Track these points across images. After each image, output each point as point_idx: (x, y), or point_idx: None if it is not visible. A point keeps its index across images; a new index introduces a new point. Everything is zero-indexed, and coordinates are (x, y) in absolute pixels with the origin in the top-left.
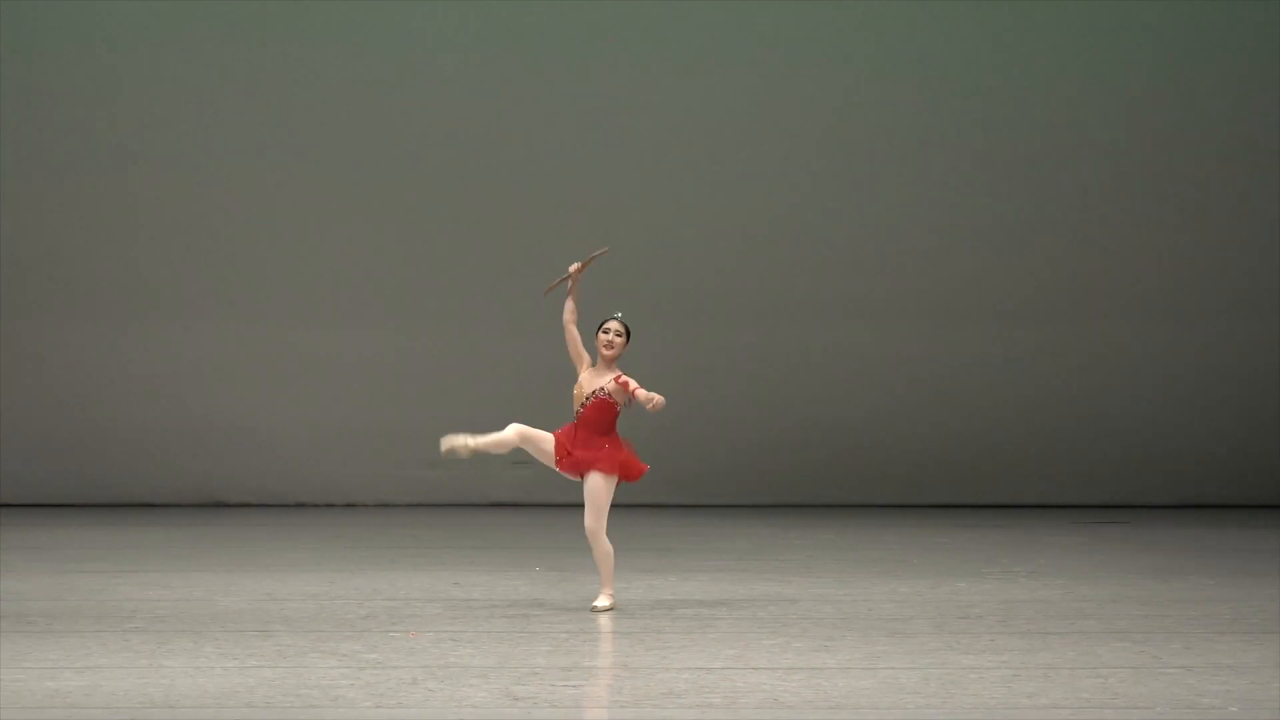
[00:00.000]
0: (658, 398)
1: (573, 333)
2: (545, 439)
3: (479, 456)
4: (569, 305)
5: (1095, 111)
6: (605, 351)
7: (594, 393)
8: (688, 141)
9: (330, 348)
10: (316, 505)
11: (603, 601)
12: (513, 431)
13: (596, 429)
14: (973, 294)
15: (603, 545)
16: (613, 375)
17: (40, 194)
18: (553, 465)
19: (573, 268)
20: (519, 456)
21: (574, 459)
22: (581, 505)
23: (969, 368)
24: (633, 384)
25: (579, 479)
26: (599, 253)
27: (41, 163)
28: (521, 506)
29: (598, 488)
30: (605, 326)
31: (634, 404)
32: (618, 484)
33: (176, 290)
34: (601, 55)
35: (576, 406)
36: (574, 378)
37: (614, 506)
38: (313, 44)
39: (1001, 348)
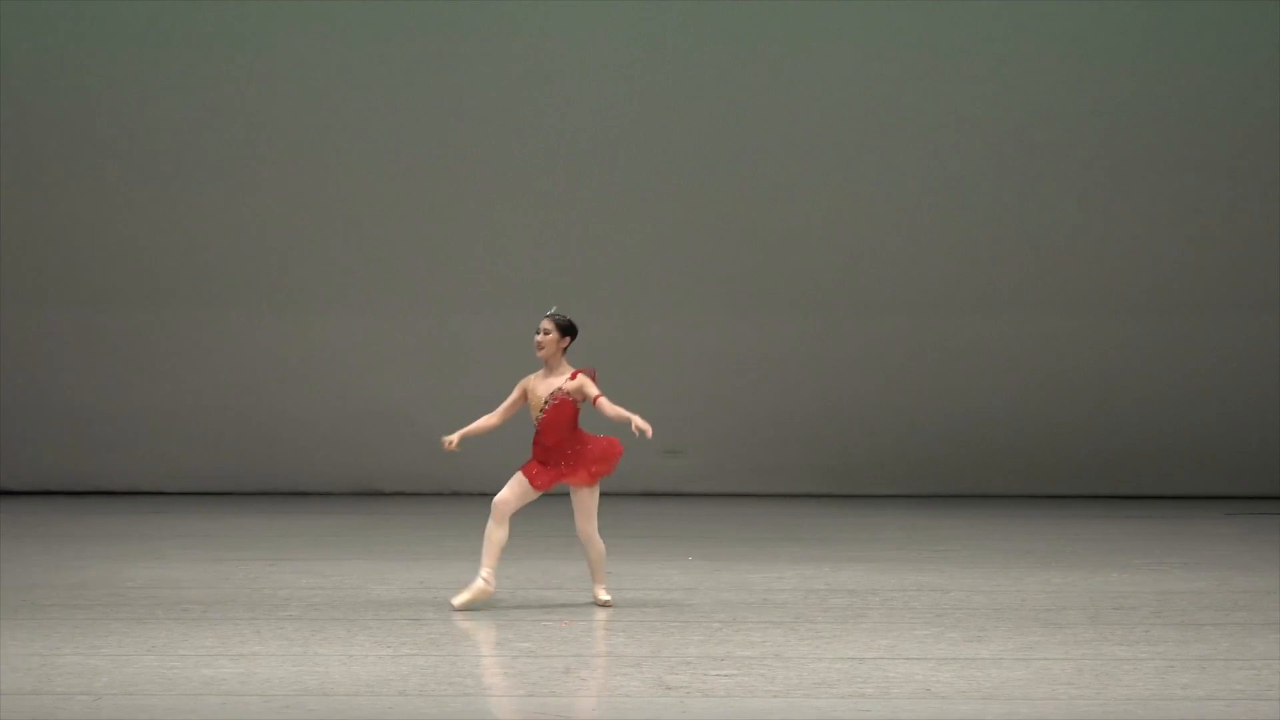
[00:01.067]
0: (641, 425)
1: (502, 413)
2: (519, 492)
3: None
4: (486, 428)
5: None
6: (537, 352)
7: (552, 394)
8: (835, 131)
9: (486, 335)
10: (470, 494)
11: (605, 595)
12: (494, 521)
13: (560, 431)
14: (1120, 285)
15: (597, 546)
16: (566, 375)
17: (208, 187)
18: (531, 496)
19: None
20: (671, 445)
21: (547, 477)
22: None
23: (1121, 358)
24: (600, 397)
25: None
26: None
27: (209, 156)
28: (675, 496)
29: (582, 498)
30: (537, 327)
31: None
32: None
33: (332, 279)
34: (761, 47)
35: (535, 414)
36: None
37: (764, 495)
38: (472, 38)
39: (1152, 338)
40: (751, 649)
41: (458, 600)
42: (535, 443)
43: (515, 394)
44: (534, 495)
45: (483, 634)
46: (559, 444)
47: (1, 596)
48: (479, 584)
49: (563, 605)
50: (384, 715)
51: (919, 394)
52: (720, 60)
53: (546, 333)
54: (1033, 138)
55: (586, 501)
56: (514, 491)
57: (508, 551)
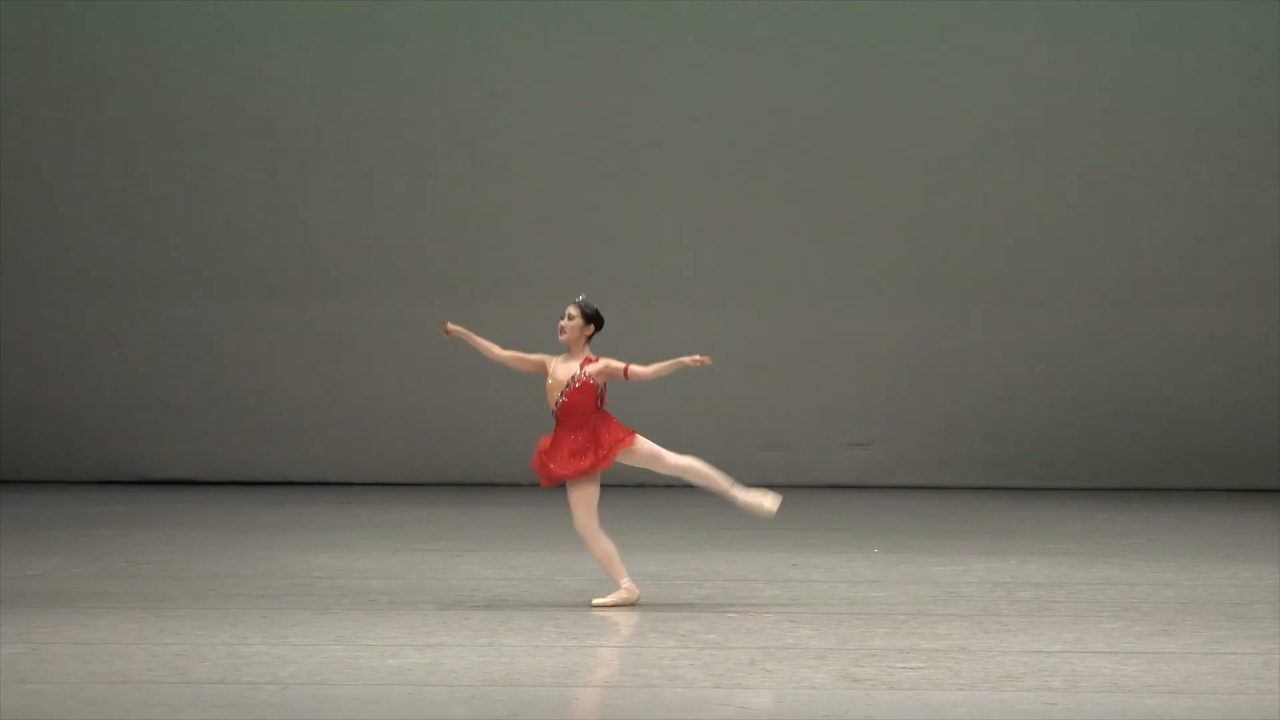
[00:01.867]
0: (695, 359)
1: (508, 355)
2: (587, 500)
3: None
4: (484, 349)
5: None
6: (559, 336)
7: (573, 378)
8: (1009, 124)
9: (674, 327)
10: (655, 486)
11: (614, 598)
12: (589, 543)
13: (580, 415)
14: None
15: (601, 545)
16: (588, 364)
17: (375, 183)
18: (596, 495)
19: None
20: (857, 438)
21: (550, 472)
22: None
23: None
24: (629, 366)
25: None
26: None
27: (378, 153)
28: (861, 489)
29: (576, 495)
30: (562, 312)
31: (636, 381)
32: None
33: (510, 271)
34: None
35: (554, 398)
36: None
37: (950, 488)
38: (660, 29)
39: None
40: (937, 642)
41: (599, 600)
42: (558, 434)
43: (533, 358)
44: (597, 491)
45: (668, 626)
46: (579, 428)
47: (189, 586)
48: (622, 592)
49: (748, 598)
50: (570, 706)
51: (1102, 387)
52: (893, 55)
53: (571, 318)
54: (1210, 126)
55: (645, 451)
56: (583, 507)
57: (694, 543)
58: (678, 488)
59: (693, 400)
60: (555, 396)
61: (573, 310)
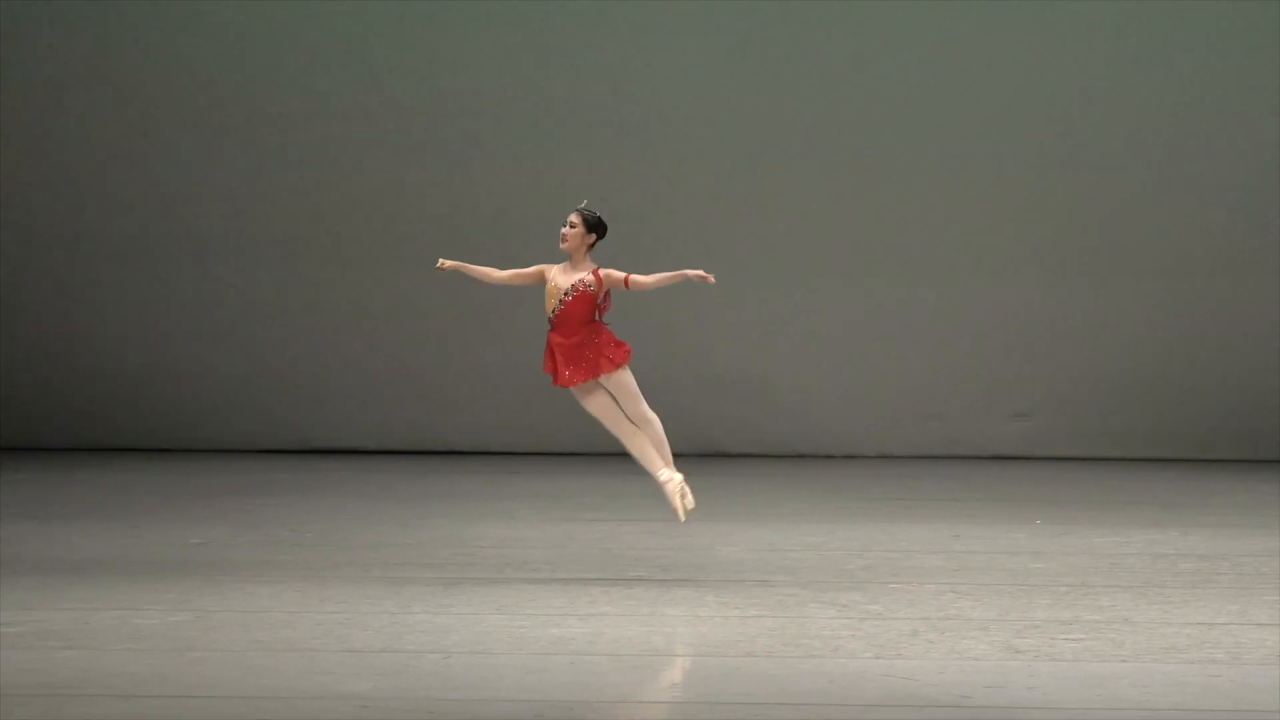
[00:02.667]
0: (698, 273)
1: (507, 275)
2: (597, 407)
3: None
4: (482, 276)
5: None
6: (560, 245)
7: (573, 286)
8: (1162, 100)
9: (835, 299)
10: (816, 456)
11: (672, 476)
12: (626, 439)
13: (575, 324)
14: None
15: (656, 423)
16: (589, 269)
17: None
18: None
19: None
20: (1019, 409)
21: (574, 374)
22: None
23: None
24: (630, 275)
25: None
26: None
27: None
28: (1022, 459)
29: (624, 382)
30: (564, 220)
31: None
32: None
33: (683, 241)
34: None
35: (552, 305)
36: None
37: (1111, 459)
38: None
39: None
40: (1100, 613)
41: (681, 512)
42: (549, 342)
43: (531, 270)
44: (602, 392)
45: (830, 596)
46: (575, 338)
47: (353, 555)
48: (669, 486)
49: (910, 569)
50: (731, 676)
51: (1266, 356)
52: (1043, 22)
53: (572, 226)
54: None
55: (630, 383)
56: (598, 414)
57: (856, 514)
58: (838, 459)
59: (855, 371)
60: (552, 304)
61: (574, 218)
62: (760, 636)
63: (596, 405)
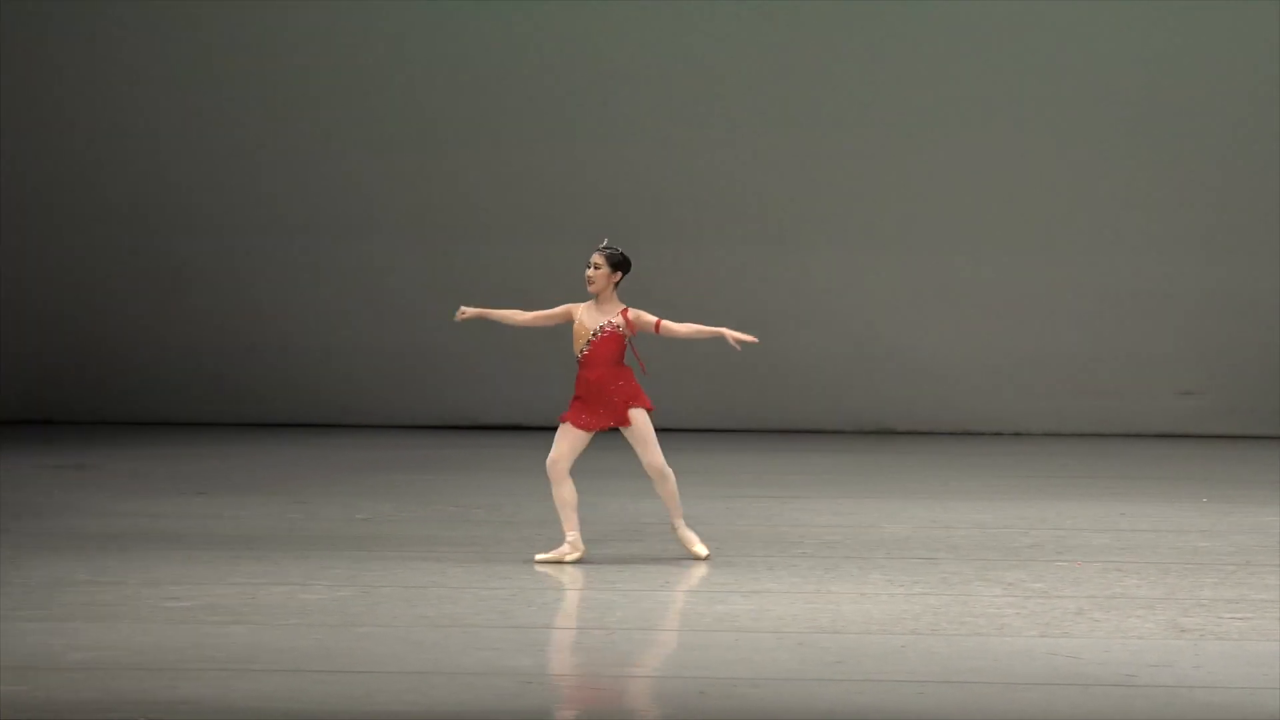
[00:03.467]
0: (737, 336)
1: (532, 317)
2: (571, 444)
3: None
4: (505, 319)
5: None
6: (588, 287)
7: (600, 327)
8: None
9: (1002, 276)
10: (984, 434)
11: (695, 541)
12: (554, 483)
13: (603, 365)
14: None
15: (670, 477)
16: (617, 310)
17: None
18: (583, 444)
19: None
20: (1186, 386)
21: (601, 416)
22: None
23: None
24: (661, 321)
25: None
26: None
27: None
28: (1190, 438)
29: (641, 430)
30: (588, 261)
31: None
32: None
33: (849, 219)
34: None
35: (580, 345)
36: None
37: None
38: None
39: None
40: (1267, 592)
41: (540, 556)
42: (579, 380)
43: (557, 310)
44: (585, 442)
45: (995, 574)
46: (602, 379)
47: (518, 532)
48: (565, 547)
49: (1076, 547)
50: (896, 653)
51: None
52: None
53: (596, 267)
54: None
55: (647, 431)
56: (564, 446)
57: (1023, 491)
58: (1006, 436)
59: (1023, 348)
60: (580, 344)
61: (597, 258)
62: (925, 614)
63: (633, 432)
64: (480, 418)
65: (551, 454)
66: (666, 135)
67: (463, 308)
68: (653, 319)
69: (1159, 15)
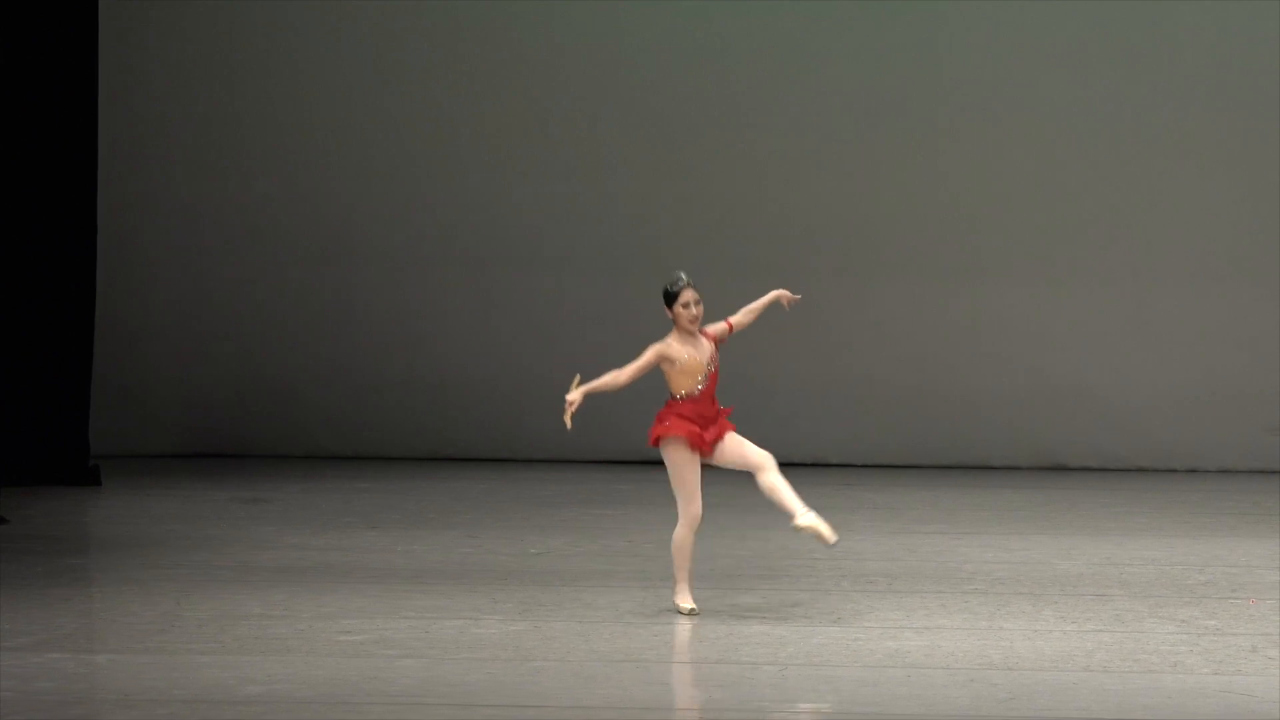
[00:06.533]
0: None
1: (632, 371)
2: (697, 480)
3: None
4: (610, 386)
5: None
6: (691, 326)
7: (710, 358)
8: None
9: (1167, 309)
10: (1157, 470)
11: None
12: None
13: (712, 398)
14: None
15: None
16: (705, 338)
17: (885, 160)
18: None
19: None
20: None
21: (710, 438)
22: None
23: None
24: (729, 320)
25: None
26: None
27: (897, 130)
28: None
29: (740, 443)
30: (684, 300)
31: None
32: None
33: (1023, 253)
34: None
35: (698, 380)
36: None
37: None
38: None
39: None
40: None
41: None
42: (684, 413)
43: (649, 356)
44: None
45: (1168, 611)
46: (713, 410)
47: (691, 566)
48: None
49: (1251, 584)
50: (1069, 690)
51: None
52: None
53: (699, 303)
54: None
55: (739, 438)
56: (697, 493)
57: (1198, 528)
58: (1180, 473)
59: (1195, 382)
60: (699, 378)
61: (697, 293)
62: (1097, 651)
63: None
64: (649, 452)
65: (698, 507)
66: (841, 167)
67: (568, 399)
68: (724, 325)
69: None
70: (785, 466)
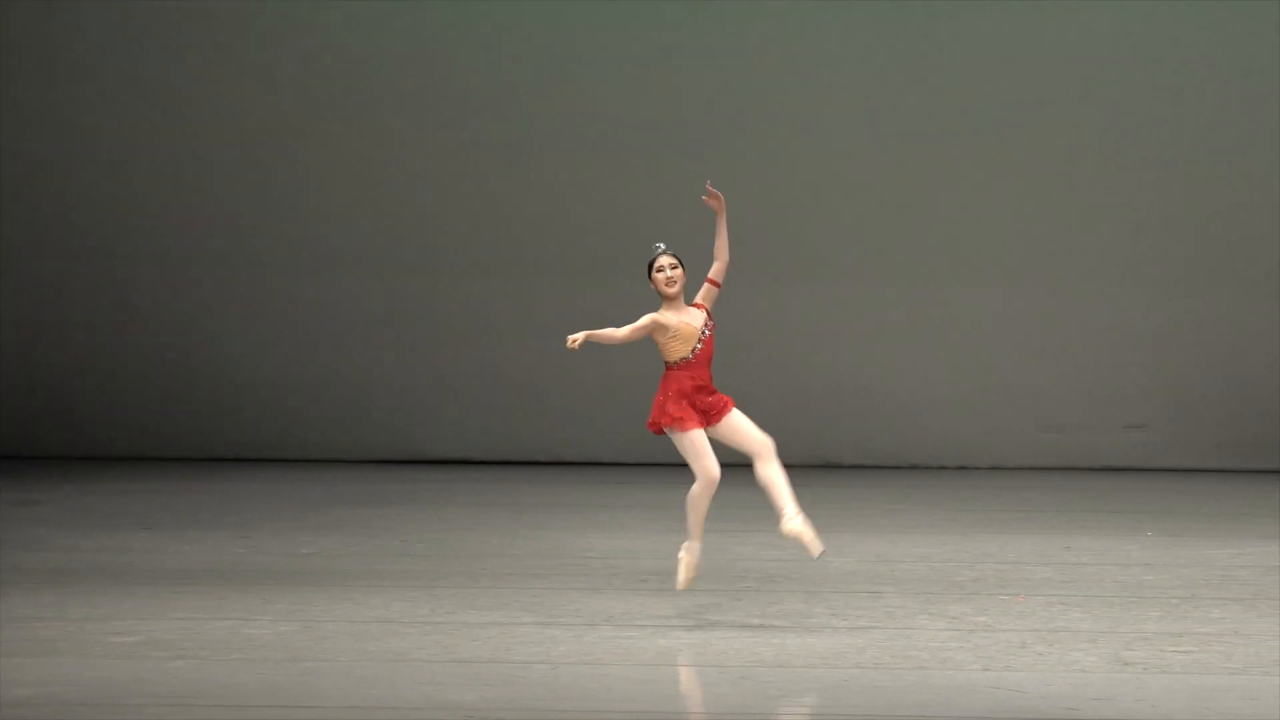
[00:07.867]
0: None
1: (628, 331)
2: (708, 445)
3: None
4: (610, 339)
5: None
6: (669, 289)
7: (704, 324)
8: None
9: (941, 308)
10: (928, 467)
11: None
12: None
13: (708, 364)
14: None
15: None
16: (694, 304)
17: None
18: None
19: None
20: (1132, 420)
21: (713, 413)
22: None
23: None
24: (709, 277)
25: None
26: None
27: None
28: (1136, 471)
29: (742, 420)
30: (658, 265)
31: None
32: None
33: (781, 252)
34: None
35: (693, 346)
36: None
37: (1227, 471)
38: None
39: None
40: (1210, 625)
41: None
42: (682, 384)
43: (645, 322)
44: (736, 434)
45: (938, 608)
46: (708, 376)
47: (462, 565)
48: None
49: (1020, 580)
50: (840, 687)
51: None
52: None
53: (675, 267)
54: None
55: (743, 418)
56: (709, 452)
57: (966, 525)
58: (950, 470)
59: (965, 380)
60: (691, 345)
61: (672, 259)
62: (868, 648)
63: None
64: (422, 452)
65: (712, 467)
66: (621, 163)
67: (570, 338)
68: (709, 284)
69: (1097, 45)
70: (559, 466)
